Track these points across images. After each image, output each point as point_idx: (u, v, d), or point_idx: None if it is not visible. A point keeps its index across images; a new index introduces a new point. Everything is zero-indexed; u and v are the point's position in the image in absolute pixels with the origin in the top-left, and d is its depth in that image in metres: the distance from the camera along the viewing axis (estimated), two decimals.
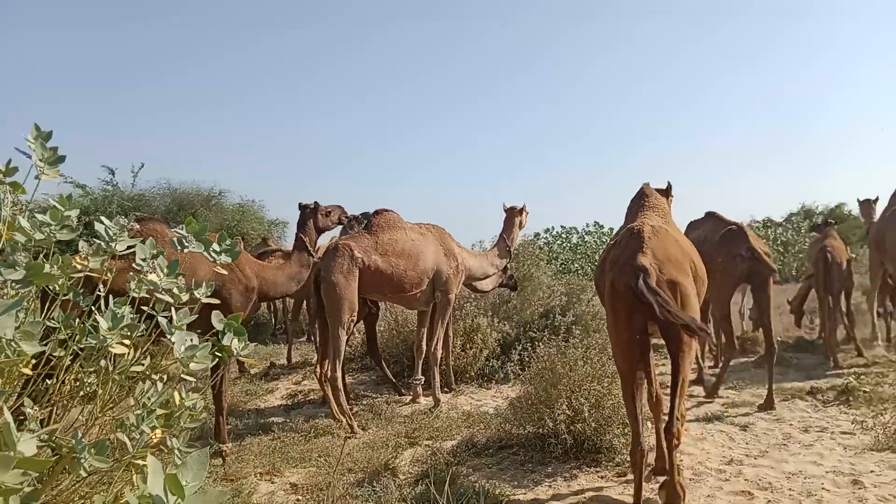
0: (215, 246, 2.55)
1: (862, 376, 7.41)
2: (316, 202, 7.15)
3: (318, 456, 5.62)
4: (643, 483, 4.11)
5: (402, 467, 5.44)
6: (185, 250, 2.50)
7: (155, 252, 2.41)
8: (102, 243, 2.23)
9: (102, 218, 2.20)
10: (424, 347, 7.82)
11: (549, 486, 4.91)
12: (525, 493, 4.79)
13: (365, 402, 7.64)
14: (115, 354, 2.30)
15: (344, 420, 6.61)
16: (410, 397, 7.74)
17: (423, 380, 7.77)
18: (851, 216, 25.33)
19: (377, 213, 7.70)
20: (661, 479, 4.51)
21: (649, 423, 5.14)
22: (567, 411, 5.26)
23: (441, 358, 8.06)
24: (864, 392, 6.85)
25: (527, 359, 5.87)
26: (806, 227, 24.50)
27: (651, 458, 4.87)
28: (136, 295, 2.35)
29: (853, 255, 10.18)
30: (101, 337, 2.17)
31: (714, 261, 6.55)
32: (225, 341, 2.46)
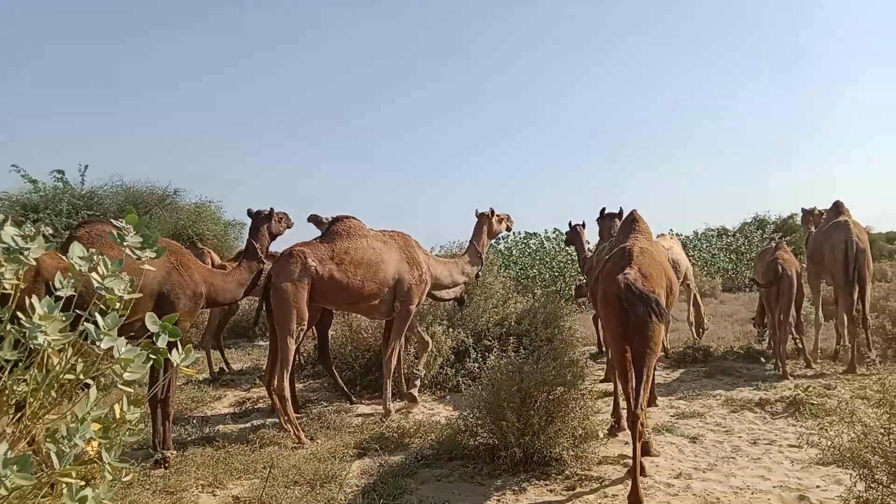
0: (131, 239, 2.39)
1: (809, 388, 7.52)
2: (272, 208, 7.02)
3: (264, 468, 5.46)
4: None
5: (350, 480, 5.33)
6: (126, 244, 2.37)
7: (89, 253, 2.27)
8: (13, 253, 2.09)
9: (6, 227, 2.07)
10: (393, 363, 7.59)
11: (498, 500, 4.84)
12: None
13: (315, 411, 7.49)
14: (46, 360, 2.17)
15: (291, 430, 6.46)
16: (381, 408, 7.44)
17: (389, 394, 7.47)
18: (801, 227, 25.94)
19: (337, 219, 7.48)
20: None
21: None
22: (517, 423, 5.20)
23: (394, 368, 7.97)
24: (812, 404, 6.94)
25: (478, 369, 5.79)
26: (759, 236, 25.00)
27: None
28: (62, 294, 2.20)
29: (803, 266, 10.37)
30: (32, 326, 2.02)
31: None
32: (160, 343, 2.33)
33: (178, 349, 2.41)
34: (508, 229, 9.17)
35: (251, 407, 7.95)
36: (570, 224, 10.77)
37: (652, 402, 7.30)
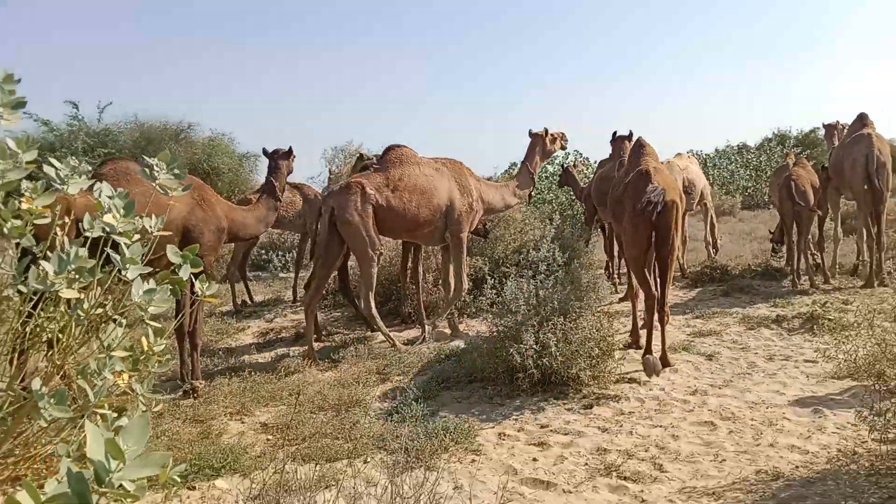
0: (163, 176, 2.43)
1: (826, 304, 7.54)
2: (290, 147, 7.14)
3: (289, 395, 5.64)
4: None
5: (373, 404, 5.49)
6: (157, 182, 2.41)
7: (117, 193, 2.30)
8: (55, 184, 2.15)
9: (52, 160, 2.11)
10: (452, 283, 7.80)
11: (517, 420, 4.98)
12: (493, 427, 4.87)
13: (337, 339, 7.66)
14: (74, 298, 2.23)
15: (390, 340, 7.13)
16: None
17: (448, 317, 7.80)
18: (823, 141, 25.40)
19: (389, 148, 7.63)
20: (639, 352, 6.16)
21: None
22: (535, 346, 5.29)
23: (415, 294, 8.15)
24: (829, 320, 6.97)
25: (496, 295, 5.85)
26: (779, 152, 24.54)
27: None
28: (90, 235, 2.25)
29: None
30: (49, 283, 2.09)
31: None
32: (182, 274, 2.39)
33: (202, 280, 2.48)
34: (563, 148, 9.16)
35: (275, 337, 8.14)
36: (562, 167, 11.56)
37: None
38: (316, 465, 4.07)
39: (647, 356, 5.80)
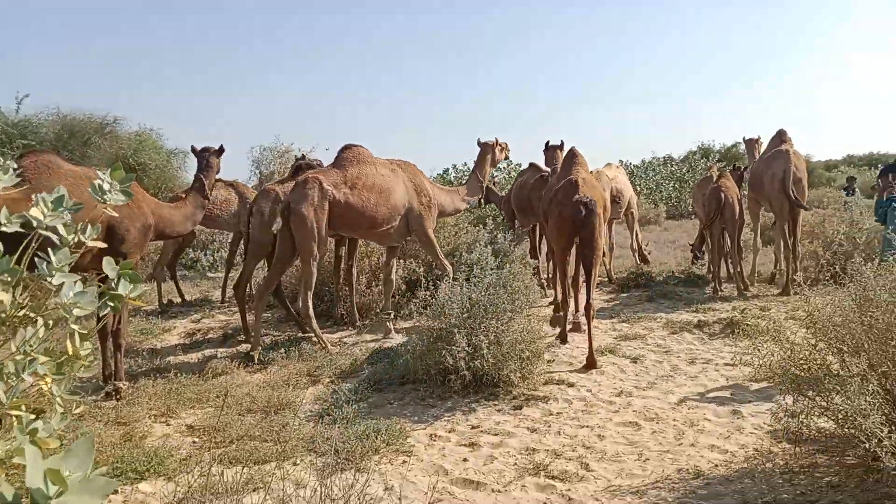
0: (104, 183, 2.35)
1: (745, 310, 7.87)
2: (221, 145, 7.06)
3: (217, 396, 5.52)
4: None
5: (304, 406, 5.43)
6: (107, 201, 2.31)
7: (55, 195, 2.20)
8: None
9: None
10: (393, 280, 7.96)
11: (448, 421, 5.02)
12: (425, 428, 4.89)
13: (266, 341, 7.54)
14: None
15: (321, 343, 7.02)
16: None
17: (392, 314, 7.83)
18: (744, 156, 26.48)
19: (346, 147, 7.66)
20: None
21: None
22: (467, 348, 5.34)
23: (345, 295, 8.18)
24: (747, 325, 7.28)
25: (429, 297, 5.89)
26: (703, 165, 25.46)
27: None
28: (6, 230, 2.15)
29: (744, 194, 10.69)
30: None
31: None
32: (120, 289, 2.30)
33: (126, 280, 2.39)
34: (506, 158, 9.51)
35: (202, 338, 7.95)
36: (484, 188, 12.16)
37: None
38: (244, 467, 4.00)
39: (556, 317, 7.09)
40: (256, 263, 7.96)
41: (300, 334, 7.83)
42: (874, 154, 32.12)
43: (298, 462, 4.30)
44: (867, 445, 3.13)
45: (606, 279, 10.82)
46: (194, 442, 4.74)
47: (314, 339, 7.11)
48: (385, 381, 5.89)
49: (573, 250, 6.98)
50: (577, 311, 7.58)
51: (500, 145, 9.01)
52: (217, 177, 7.48)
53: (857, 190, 14.96)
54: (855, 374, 3.48)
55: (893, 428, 3.19)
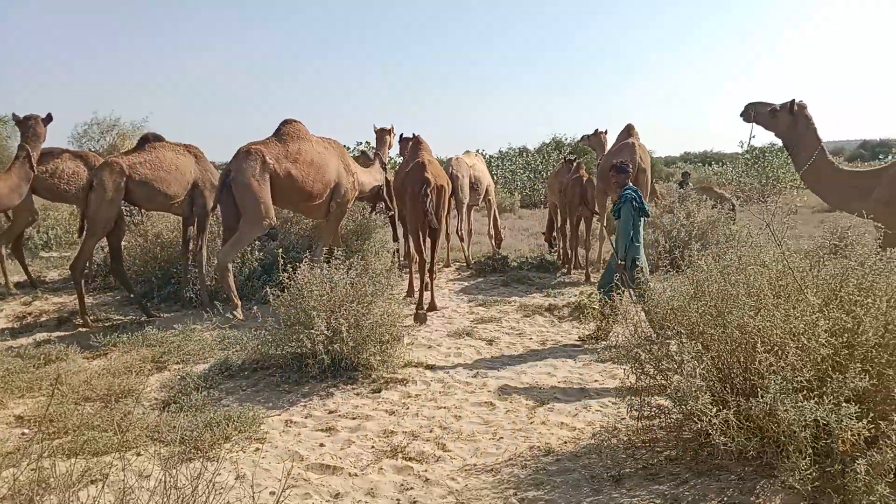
0: None
1: (592, 294, 8.27)
2: (49, 113, 6.49)
3: (50, 385, 5.07)
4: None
5: (148, 394, 5.12)
6: None
7: None
8: None
9: None
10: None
11: (305, 406, 4.91)
12: (280, 414, 4.75)
13: (107, 325, 7.04)
14: None
15: (235, 301, 7.32)
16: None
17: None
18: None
19: (285, 122, 7.98)
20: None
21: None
22: (326, 331, 5.24)
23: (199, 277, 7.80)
24: (594, 309, 7.66)
25: (287, 279, 5.70)
26: (556, 156, 26.55)
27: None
28: None
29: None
30: None
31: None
32: None
33: None
34: (391, 145, 10.58)
35: (33, 322, 7.29)
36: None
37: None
38: (79, 459, 3.70)
39: (419, 312, 7.47)
40: (97, 241, 7.37)
41: (144, 317, 7.36)
42: (708, 152, 34.91)
43: (142, 452, 4.04)
44: (700, 424, 3.37)
45: (465, 264, 11.04)
46: (24, 434, 4.34)
47: (155, 322, 6.72)
48: (238, 366, 5.66)
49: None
50: (432, 295, 8.09)
51: (392, 132, 10.18)
52: (64, 148, 6.97)
53: (690, 184, 16.16)
54: (690, 355, 3.74)
55: (723, 406, 3.45)
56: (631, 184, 6.62)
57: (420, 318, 7.37)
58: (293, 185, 7.55)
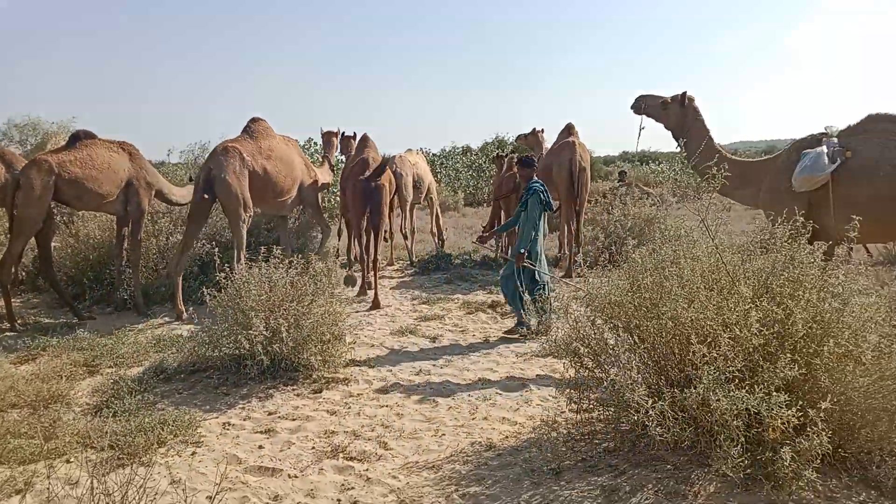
0: None
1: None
2: None
3: None
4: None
5: (79, 399, 4.94)
6: None
7: None
8: None
9: None
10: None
11: (243, 408, 4.81)
12: (217, 417, 4.64)
13: (36, 329, 6.77)
14: None
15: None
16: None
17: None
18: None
19: (253, 120, 8.30)
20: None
21: None
22: (265, 331, 5.14)
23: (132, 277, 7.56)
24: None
25: (224, 279, 5.56)
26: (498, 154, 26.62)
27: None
28: None
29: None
30: None
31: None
32: None
33: None
34: (337, 146, 10.77)
35: None
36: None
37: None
38: (3, 469, 3.54)
39: (349, 276, 8.59)
40: (25, 242, 7.08)
41: (75, 320, 7.11)
42: (646, 151, 35.62)
43: (72, 459, 3.89)
44: (636, 416, 3.43)
45: (409, 262, 11.01)
46: None
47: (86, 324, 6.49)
48: (174, 369, 5.51)
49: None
50: (375, 291, 8.21)
51: (338, 134, 10.46)
52: None
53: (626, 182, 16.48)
54: (626, 348, 3.80)
55: (659, 398, 3.51)
56: (538, 177, 6.85)
57: (349, 281, 8.46)
58: (268, 180, 7.86)
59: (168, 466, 3.84)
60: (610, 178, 26.95)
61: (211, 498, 3.32)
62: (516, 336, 6.60)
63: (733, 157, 6.62)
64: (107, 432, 4.14)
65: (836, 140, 5.69)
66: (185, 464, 3.90)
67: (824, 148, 5.64)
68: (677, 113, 6.78)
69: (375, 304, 8.00)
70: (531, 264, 6.48)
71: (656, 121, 6.98)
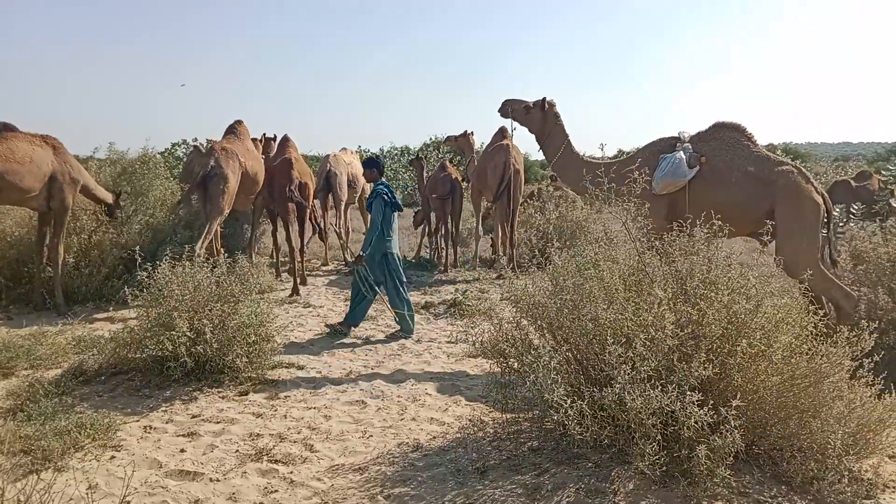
0: None
1: (466, 292, 8.43)
2: None
3: None
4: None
5: None
6: None
7: None
8: None
9: None
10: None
11: (166, 411, 4.70)
12: (138, 420, 4.52)
13: None
14: None
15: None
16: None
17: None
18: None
19: (238, 122, 9.11)
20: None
21: None
22: (188, 332, 5.03)
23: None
24: (468, 306, 7.82)
25: (147, 278, 5.41)
26: (435, 156, 26.72)
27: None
28: None
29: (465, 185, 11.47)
30: None
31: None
32: None
33: None
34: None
35: None
36: None
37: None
38: None
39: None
40: None
41: None
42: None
43: None
44: (556, 416, 3.50)
45: (343, 262, 10.96)
46: None
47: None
48: (94, 371, 5.33)
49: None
50: (294, 282, 8.81)
51: (275, 139, 10.65)
52: None
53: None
54: (549, 348, 3.88)
55: (579, 397, 3.58)
56: (384, 179, 7.09)
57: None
58: (253, 179, 8.58)
59: (84, 472, 3.72)
60: (544, 180, 27.30)
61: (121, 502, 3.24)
62: (340, 330, 6.85)
63: (590, 159, 6.79)
64: (20, 436, 3.99)
65: (689, 146, 5.90)
66: (103, 468, 3.79)
67: (682, 154, 5.83)
68: (539, 117, 6.95)
69: (295, 290, 8.64)
70: (365, 268, 6.78)
71: (521, 124, 7.15)
